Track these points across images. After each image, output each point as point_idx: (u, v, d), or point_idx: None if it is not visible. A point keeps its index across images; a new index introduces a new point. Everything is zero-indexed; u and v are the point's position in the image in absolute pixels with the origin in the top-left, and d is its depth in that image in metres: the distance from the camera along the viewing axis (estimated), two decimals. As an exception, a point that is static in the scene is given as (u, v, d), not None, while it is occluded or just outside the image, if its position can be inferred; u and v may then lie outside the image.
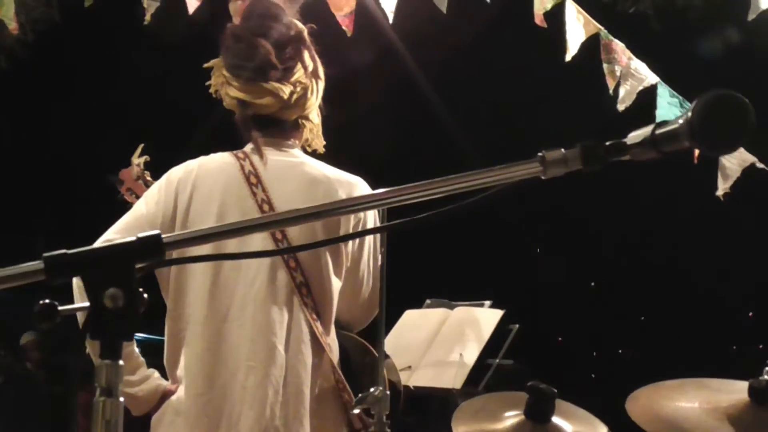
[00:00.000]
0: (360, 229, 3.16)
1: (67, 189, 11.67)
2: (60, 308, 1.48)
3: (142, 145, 4.25)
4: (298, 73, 3.17)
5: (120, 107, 10.86)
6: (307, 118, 3.25)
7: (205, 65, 3.28)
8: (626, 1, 7.71)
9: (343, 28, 5.13)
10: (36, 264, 1.43)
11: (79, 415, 9.49)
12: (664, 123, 1.49)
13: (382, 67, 9.38)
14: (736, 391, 2.90)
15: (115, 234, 3.05)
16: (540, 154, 1.51)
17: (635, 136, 1.52)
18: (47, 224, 12.16)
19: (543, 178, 1.52)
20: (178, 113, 10.15)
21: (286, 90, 3.12)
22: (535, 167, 1.51)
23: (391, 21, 5.17)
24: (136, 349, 3.15)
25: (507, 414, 3.22)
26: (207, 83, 3.28)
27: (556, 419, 3.19)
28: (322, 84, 3.27)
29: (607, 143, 1.52)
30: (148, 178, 4.16)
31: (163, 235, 1.48)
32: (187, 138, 9.55)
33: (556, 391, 3.17)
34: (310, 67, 3.22)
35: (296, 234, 3.07)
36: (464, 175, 1.52)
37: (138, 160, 4.20)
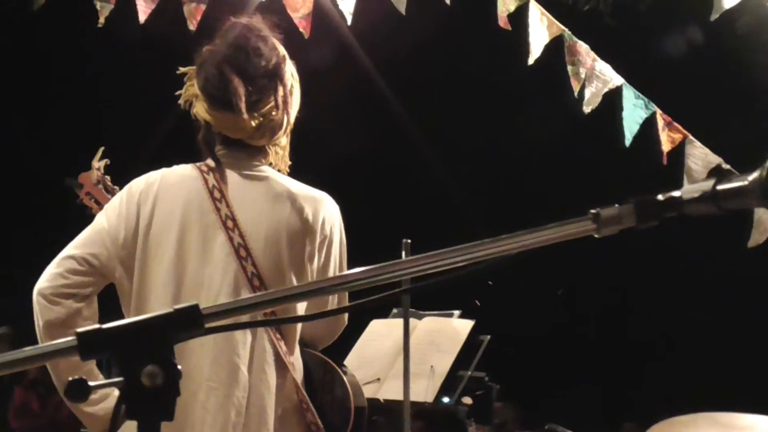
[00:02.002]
0: (326, 247, 3.15)
1: (24, 194, 11.57)
2: (91, 384, 1.42)
3: (102, 149, 4.21)
4: (269, 106, 3.13)
5: (76, 109, 10.80)
6: (275, 144, 3.23)
7: (180, 70, 3.27)
8: (583, 1, 7.79)
9: (300, 30, 5.15)
10: (69, 341, 1.38)
11: (10, 414, 9.38)
12: (726, 176, 1.39)
13: (340, 68, 9.40)
14: (752, 427, 2.83)
15: (76, 249, 3.04)
16: (594, 211, 1.44)
17: (692, 189, 1.42)
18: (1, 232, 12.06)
19: (596, 236, 1.46)
20: (137, 117, 10.12)
21: (253, 123, 3.10)
22: (588, 225, 1.45)
23: (349, 22, 5.19)
24: (95, 368, 3.10)
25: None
26: (177, 93, 3.25)
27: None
28: (294, 113, 3.24)
29: (662, 198, 1.43)
30: (108, 183, 4.15)
31: (201, 307, 1.42)
32: (145, 142, 9.56)
33: None
34: (282, 100, 3.17)
35: (261, 251, 3.06)
36: (512, 236, 1.46)
37: (98, 164, 4.18)
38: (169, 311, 1.42)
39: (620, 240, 1.61)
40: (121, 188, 3.60)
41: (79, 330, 1.38)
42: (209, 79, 3.13)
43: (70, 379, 1.42)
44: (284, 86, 3.19)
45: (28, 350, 1.41)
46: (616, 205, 1.44)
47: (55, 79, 10.83)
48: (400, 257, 4.44)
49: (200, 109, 3.16)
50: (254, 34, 3.19)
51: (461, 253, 1.46)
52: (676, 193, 1.43)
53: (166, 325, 1.41)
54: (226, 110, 3.09)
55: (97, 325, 1.39)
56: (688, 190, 1.42)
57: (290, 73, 3.24)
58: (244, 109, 3.07)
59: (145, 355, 1.37)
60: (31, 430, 9.14)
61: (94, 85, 10.58)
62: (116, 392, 3.06)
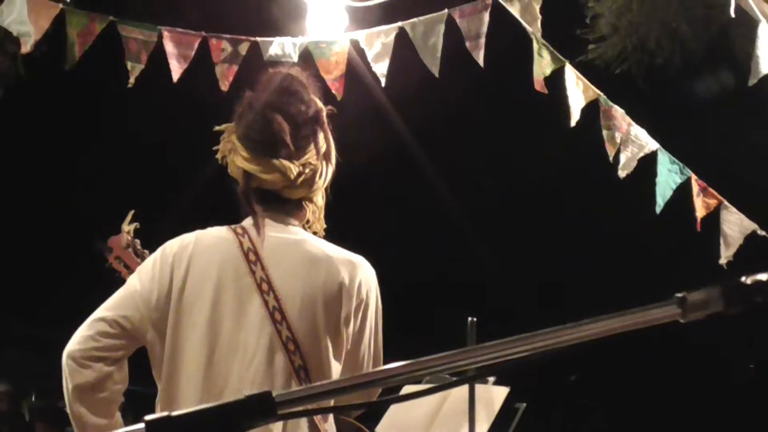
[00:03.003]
0: (362, 311, 3.12)
1: (51, 260, 11.62)
2: None
3: (132, 212, 4.21)
4: (310, 154, 3.13)
5: (107, 172, 10.86)
6: (311, 200, 3.21)
7: (216, 128, 3.26)
8: (612, 63, 7.79)
9: (333, 91, 5.18)
10: (138, 429, 1.34)
11: None
12: None
13: (373, 130, 9.43)
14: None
15: (108, 311, 3.01)
16: (680, 295, 1.41)
17: None
18: (31, 298, 12.11)
19: (682, 321, 1.42)
20: (168, 179, 10.16)
21: (294, 169, 3.09)
22: (673, 310, 1.41)
23: (383, 84, 5.21)
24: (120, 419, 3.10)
25: None
26: (214, 148, 3.25)
27: None
28: (332, 168, 3.24)
29: (750, 282, 1.38)
30: (138, 247, 4.15)
31: (274, 394, 1.39)
32: (175, 204, 9.59)
33: None
34: (323, 149, 3.18)
35: (296, 315, 3.03)
36: (593, 321, 1.42)
37: (128, 228, 4.17)
38: (241, 399, 1.38)
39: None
40: (150, 252, 3.60)
41: (149, 417, 1.34)
42: (251, 124, 3.14)
43: None
44: (326, 135, 3.21)
45: None
46: (703, 290, 1.40)
47: (84, 139, 10.91)
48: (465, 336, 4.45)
49: (238, 161, 3.14)
50: (297, 81, 3.22)
51: (541, 339, 1.43)
52: (762, 277, 1.39)
53: (238, 413, 1.37)
54: (268, 155, 3.09)
55: (166, 413, 1.35)
56: None
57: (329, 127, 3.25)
58: (289, 150, 3.09)
59: None
60: None
61: (123, 147, 10.63)
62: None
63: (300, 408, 1.42)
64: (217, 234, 3.15)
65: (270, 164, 3.09)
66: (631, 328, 1.42)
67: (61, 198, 11.46)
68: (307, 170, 3.13)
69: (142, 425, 1.34)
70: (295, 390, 1.44)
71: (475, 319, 4.12)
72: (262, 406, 1.38)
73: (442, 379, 5.12)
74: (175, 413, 1.34)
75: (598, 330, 1.42)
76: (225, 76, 5.41)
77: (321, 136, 3.19)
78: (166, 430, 1.34)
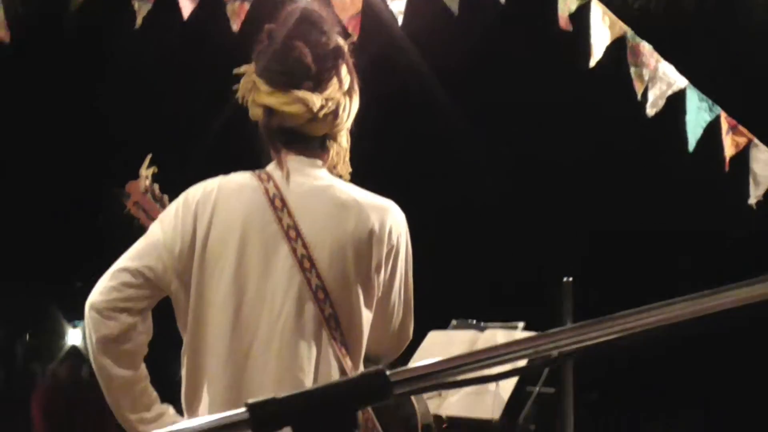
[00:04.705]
0: (392, 258, 3.08)
1: (69, 208, 11.64)
2: None
3: (149, 156, 4.16)
4: (332, 87, 3.06)
5: (119, 117, 10.83)
6: (335, 138, 3.15)
7: (236, 71, 3.18)
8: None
9: (349, 30, 5.11)
10: (240, 414, 1.29)
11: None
12: None
13: (390, 70, 9.36)
14: None
15: (130, 261, 2.98)
16: None
17: None
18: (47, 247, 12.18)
19: None
20: (182, 122, 10.13)
21: (317, 101, 3.02)
22: None
23: (400, 22, 5.15)
24: (150, 385, 3.06)
25: None
26: (234, 87, 3.17)
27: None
28: (356, 103, 3.17)
29: None
30: (157, 192, 4.09)
31: (388, 372, 1.31)
32: (191, 148, 9.55)
33: None
34: (346, 83, 3.11)
35: (326, 262, 2.98)
36: (686, 299, 1.31)
37: (146, 172, 4.11)
38: (354, 377, 1.32)
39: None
40: (170, 197, 3.55)
41: (251, 401, 1.29)
42: (272, 56, 3.07)
43: None
44: (349, 69, 3.14)
45: (198, 425, 1.31)
46: None
47: (93, 84, 10.86)
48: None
49: (259, 97, 3.08)
50: (316, 14, 3.16)
51: (634, 319, 1.33)
52: None
53: (349, 394, 1.31)
54: (290, 86, 3.02)
55: (271, 395, 1.29)
56: None
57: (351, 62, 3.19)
58: (312, 82, 3.03)
59: (328, 429, 1.29)
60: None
61: (138, 92, 10.58)
62: (171, 410, 3.05)
63: (414, 387, 1.36)
64: (241, 180, 3.09)
65: (292, 96, 3.02)
66: (733, 305, 1.30)
67: (78, 145, 11.45)
68: (330, 103, 3.06)
69: (244, 409, 1.29)
70: (408, 368, 1.36)
71: (570, 279, 4.03)
72: (377, 388, 1.31)
73: (468, 324, 5.12)
74: (281, 396, 1.29)
75: (695, 307, 1.31)
76: (236, 15, 5.32)
77: (344, 69, 3.12)
78: (270, 412, 1.29)
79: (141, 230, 3.29)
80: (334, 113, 3.08)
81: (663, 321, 1.31)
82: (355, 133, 3.26)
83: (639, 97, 5.38)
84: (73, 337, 16.49)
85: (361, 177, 3.23)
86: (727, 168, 5.72)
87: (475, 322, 5.06)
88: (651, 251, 12.39)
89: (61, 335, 16.83)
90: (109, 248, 3.14)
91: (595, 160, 11.37)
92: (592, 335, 1.34)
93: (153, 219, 3.49)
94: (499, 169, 11.74)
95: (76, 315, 16.14)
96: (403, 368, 1.33)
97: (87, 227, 11.80)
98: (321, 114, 3.04)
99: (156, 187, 4.10)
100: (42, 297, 15.77)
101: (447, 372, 1.37)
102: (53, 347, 15.28)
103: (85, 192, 10.80)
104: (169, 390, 3.21)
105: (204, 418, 1.32)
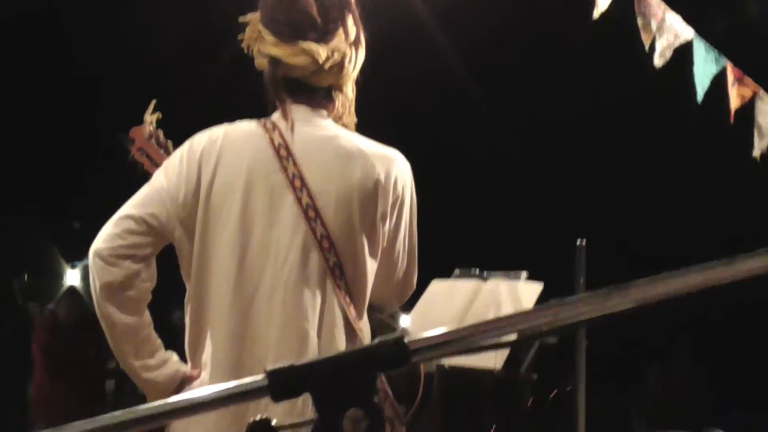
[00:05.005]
0: (398, 208, 3.09)
1: (74, 153, 11.64)
2: (275, 425, 1.32)
3: (154, 101, 4.14)
4: (338, 39, 3.07)
5: (119, 62, 10.81)
6: (340, 89, 3.16)
7: (241, 19, 3.18)
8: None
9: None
10: (259, 381, 1.29)
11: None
12: None
13: (408, 41, 9.31)
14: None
15: (134, 208, 2.99)
16: None
17: None
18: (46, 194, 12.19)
19: None
20: (186, 70, 10.10)
21: (323, 53, 3.03)
22: None
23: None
24: (153, 332, 3.08)
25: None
26: (239, 37, 3.18)
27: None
28: (362, 54, 3.17)
29: None
30: (161, 137, 4.09)
31: (406, 340, 1.30)
32: (194, 95, 9.53)
33: None
34: (352, 34, 3.12)
35: (331, 212, 3.00)
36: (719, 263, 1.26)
37: (150, 117, 4.10)
38: (372, 345, 1.31)
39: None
40: (174, 143, 3.56)
41: (270, 368, 1.29)
42: (277, 7, 3.07)
43: (253, 420, 1.32)
44: (355, 20, 3.14)
45: (215, 391, 1.31)
46: None
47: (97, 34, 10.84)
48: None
49: (264, 47, 3.09)
50: None
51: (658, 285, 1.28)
52: None
53: (368, 361, 1.30)
54: (295, 37, 3.03)
55: (290, 362, 1.29)
56: None
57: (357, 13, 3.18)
58: (317, 33, 3.03)
59: (347, 396, 1.27)
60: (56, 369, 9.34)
61: (142, 39, 10.54)
62: (174, 357, 3.07)
63: (431, 354, 1.34)
64: (247, 129, 3.10)
65: (297, 47, 3.04)
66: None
67: (79, 93, 11.43)
68: (335, 55, 3.07)
69: (263, 375, 1.29)
70: (429, 336, 1.33)
71: (584, 241, 4.02)
72: (395, 355, 1.30)
73: (470, 273, 5.13)
74: (299, 363, 1.29)
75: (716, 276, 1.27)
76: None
77: (350, 20, 3.13)
78: (290, 381, 1.29)
79: (145, 176, 3.30)
80: (340, 65, 3.09)
81: (678, 291, 1.29)
82: (361, 83, 3.26)
83: (647, 48, 5.35)
84: (72, 277, 16.61)
85: (366, 127, 3.24)
86: (732, 120, 5.69)
87: (477, 271, 5.06)
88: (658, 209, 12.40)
89: (59, 276, 16.92)
90: (109, 190, 3.14)
91: (604, 116, 11.35)
92: (611, 303, 1.30)
93: (157, 165, 3.50)
94: (508, 125, 11.74)
95: (74, 256, 16.24)
96: (421, 336, 1.31)
97: (84, 166, 11.85)
98: (327, 65, 3.06)
99: (160, 132, 4.09)
100: (40, 238, 15.84)
101: (465, 340, 1.35)
102: (52, 287, 15.34)
103: (83, 132, 10.80)
104: (172, 338, 3.23)
105: (223, 384, 1.32)
